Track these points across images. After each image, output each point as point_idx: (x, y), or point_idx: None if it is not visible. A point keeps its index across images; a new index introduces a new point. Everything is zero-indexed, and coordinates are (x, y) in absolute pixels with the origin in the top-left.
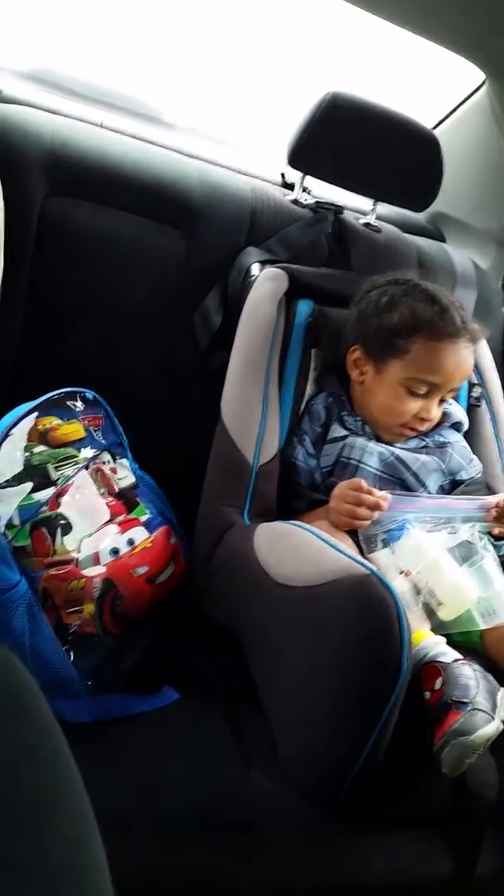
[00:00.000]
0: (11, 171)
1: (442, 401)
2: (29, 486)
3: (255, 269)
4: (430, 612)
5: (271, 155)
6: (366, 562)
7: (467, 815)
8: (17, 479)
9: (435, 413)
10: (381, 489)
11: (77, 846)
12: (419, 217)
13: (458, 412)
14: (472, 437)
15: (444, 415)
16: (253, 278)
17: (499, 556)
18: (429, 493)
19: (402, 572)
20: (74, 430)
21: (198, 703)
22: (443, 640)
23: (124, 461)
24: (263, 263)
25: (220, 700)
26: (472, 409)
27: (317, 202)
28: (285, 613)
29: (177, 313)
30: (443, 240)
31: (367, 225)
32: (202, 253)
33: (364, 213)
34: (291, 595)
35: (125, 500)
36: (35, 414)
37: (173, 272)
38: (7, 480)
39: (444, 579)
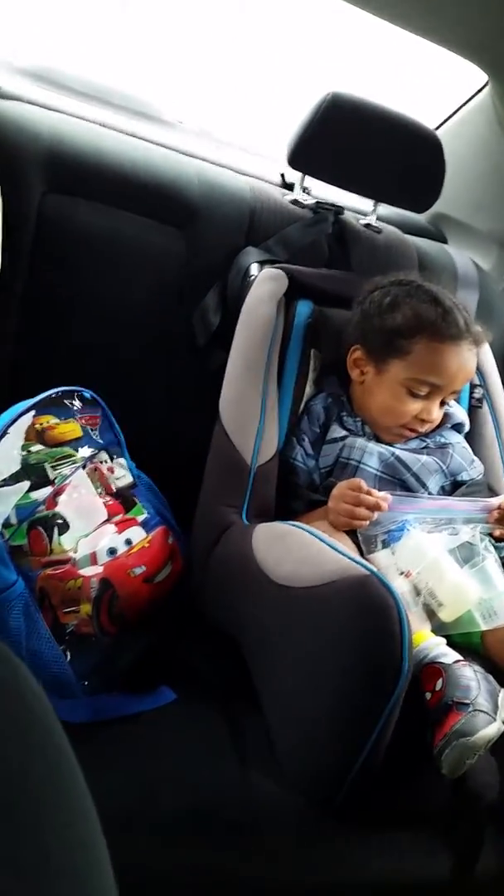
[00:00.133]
0: (9, 167)
1: (443, 403)
2: (26, 484)
3: (254, 269)
4: (430, 613)
5: (271, 155)
6: (366, 562)
7: (467, 816)
8: (14, 478)
9: (436, 415)
10: (381, 490)
11: (80, 847)
12: (420, 218)
13: (460, 413)
14: (473, 438)
15: (446, 416)
16: (252, 278)
17: (500, 558)
18: (429, 494)
19: (402, 573)
20: (72, 429)
21: (195, 703)
22: (443, 640)
23: (122, 460)
24: (263, 264)
25: (217, 700)
26: (473, 410)
27: (317, 202)
28: (284, 614)
29: (175, 313)
30: (444, 241)
31: (367, 226)
32: (201, 252)
33: (364, 214)
34: (290, 596)
35: (122, 500)
36: (32, 412)
37: (172, 271)
38: (4, 479)
39: (444, 580)
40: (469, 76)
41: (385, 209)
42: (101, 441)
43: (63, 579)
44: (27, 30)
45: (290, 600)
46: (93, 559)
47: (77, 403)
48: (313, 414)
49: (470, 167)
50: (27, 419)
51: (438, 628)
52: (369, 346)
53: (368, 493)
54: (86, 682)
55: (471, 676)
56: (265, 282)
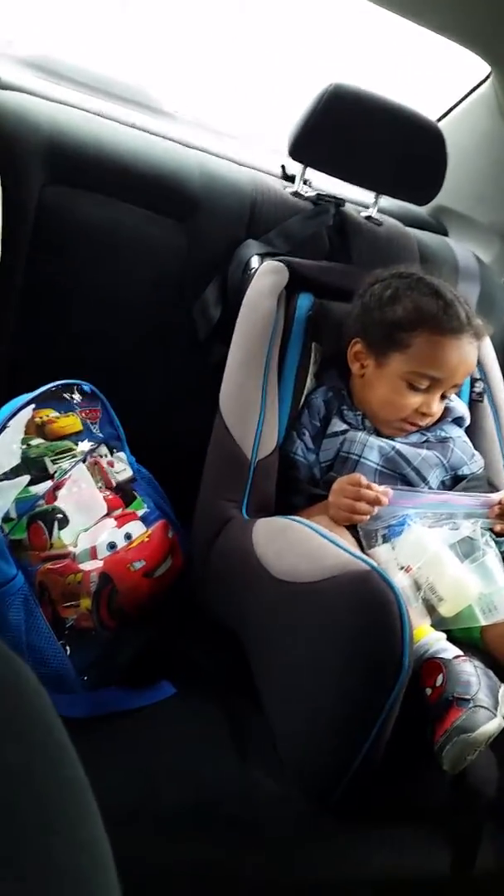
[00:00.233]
0: (8, 158)
1: (444, 396)
2: (26, 479)
3: (254, 261)
4: (430, 608)
5: (272, 146)
6: (366, 557)
7: (467, 812)
8: (14, 472)
9: (436, 408)
10: (381, 484)
11: (83, 846)
12: (421, 210)
13: (460, 407)
14: (473, 432)
15: (446, 410)
16: (253, 271)
17: (500, 553)
18: (430, 488)
19: (402, 568)
20: (72, 422)
21: (195, 697)
22: (443, 636)
23: (122, 454)
24: (263, 256)
25: (218, 694)
26: (473, 404)
27: (318, 195)
28: (284, 609)
29: (176, 306)
30: (445, 234)
31: (368, 218)
32: (202, 245)
33: (366, 206)
34: (291, 591)
35: (122, 494)
36: (32, 406)
37: (173, 264)
38: (4, 473)
39: (445, 575)
40: (471, 67)
41: (386, 201)
42: (100, 435)
43: (63, 574)
44: (26, 19)
45: (290, 595)
46: (93, 553)
47: (77, 397)
48: (314, 408)
49: (472, 159)
50: (27, 413)
51: (439, 623)
52: (370, 340)
53: (368, 488)
54: (85, 677)
55: (471, 672)
56: (266, 275)
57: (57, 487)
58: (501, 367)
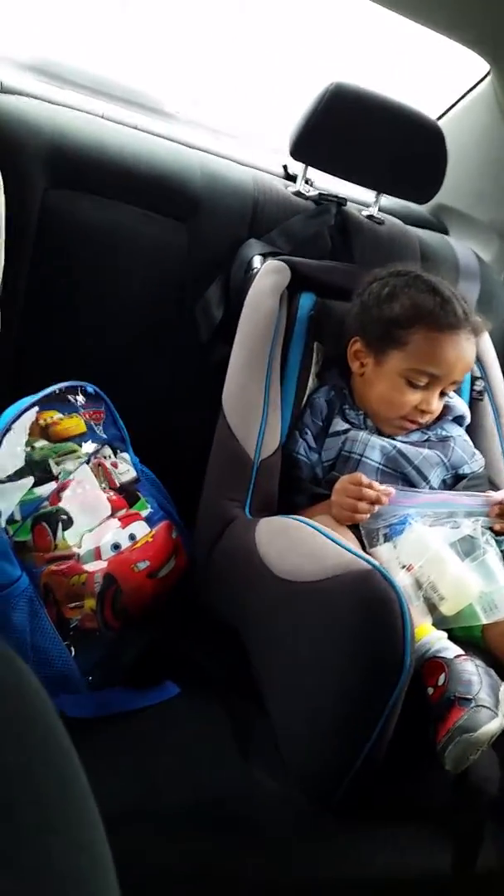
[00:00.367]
0: (11, 162)
1: (443, 393)
2: (30, 480)
3: (256, 261)
4: (431, 607)
5: (273, 146)
6: (368, 557)
7: (469, 811)
8: (18, 474)
9: (435, 405)
10: (382, 483)
11: (83, 850)
12: (422, 209)
13: (461, 406)
14: (474, 430)
15: (446, 408)
16: (255, 271)
17: (501, 552)
18: (431, 487)
19: (403, 567)
20: (75, 424)
21: (199, 697)
22: (445, 635)
23: (125, 455)
24: (265, 256)
25: (221, 694)
26: (474, 402)
27: (319, 194)
28: (287, 608)
29: (179, 306)
30: (446, 232)
31: (369, 217)
32: (204, 245)
33: (367, 205)
34: (293, 590)
35: (126, 495)
36: (36, 408)
37: (175, 264)
38: (8, 475)
39: (446, 573)
40: (471, 66)
41: (387, 200)
42: (104, 436)
43: (67, 574)
44: (27, 23)
45: (292, 594)
46: (97, 554)
47: (80, 398)
48: (316, 407)
49: (472, 157)
50: (31, 415)
51: (440, 622)
52: (368, 338)
53: (370, 487)
54: (90, 677)
55: (473, 671)
56: (268, 274)
57: (61, 489)
58: (501, 365)
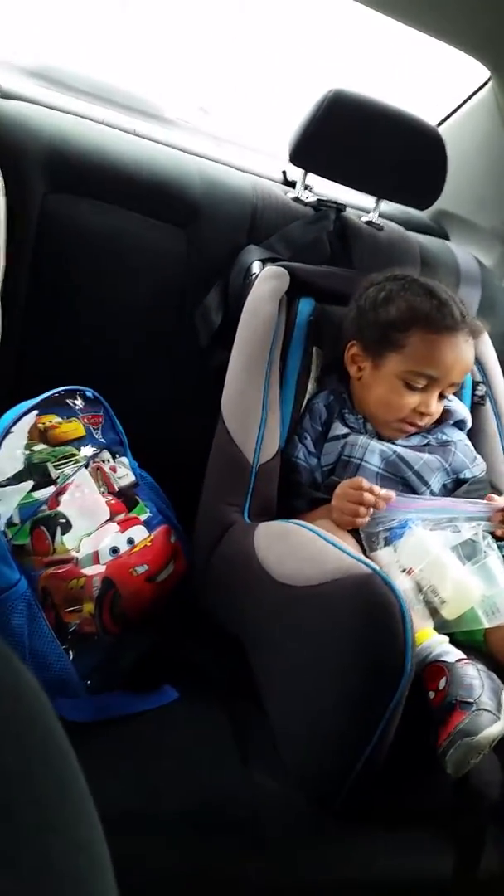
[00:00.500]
0: (11, 167)
1: (442, 396)
2: (29, 484)
3: (255, 267)
4: (432, 611)
5: (272, 151)
6: (368, 561)
7: (470, 815)
8: (17, 478)
9: (434, 407)
10: (382, 488)
11: (81, 850)
12: (422, 215)
13: (462, 410)
14: (475, 435)
15: (447, 412)
16: (254, 277)
17: (502, 555)
18: (432, 492)
19: (404, 570)
20: (74, 428)
21: (198, 701)
22: (446, 639)
23: (124, 459)
24: (264, 262)
25: (220, 699)
26: (475, 407)
27: (319, 200)
28: (286, 612)
29: (178, 311)
30: (446, 238)
31: (369, 223)
32: (203, 251)
33: (366, 211)
34: (293, 594)
35: (125, 499)
36: (35, 412)
37: (174, 270)
38: (7, 479)
39: (447, 577)
40: (471, 72)
41: (387, 206)
42: (103, 440)
43: (65, 578)
44: (28, 28)
45: (292, 599)
46: (95, 558)
47: (79, 403)
48: (315, 412)
49: (472, 163)
50: (30, 419)
51: (441, 626)
52: (365, 342)
53: (370, 491)
54: (88, 682)
55: (474, 675)
56: (267, 280)
57: (60, 493)
58: (503, 369)
